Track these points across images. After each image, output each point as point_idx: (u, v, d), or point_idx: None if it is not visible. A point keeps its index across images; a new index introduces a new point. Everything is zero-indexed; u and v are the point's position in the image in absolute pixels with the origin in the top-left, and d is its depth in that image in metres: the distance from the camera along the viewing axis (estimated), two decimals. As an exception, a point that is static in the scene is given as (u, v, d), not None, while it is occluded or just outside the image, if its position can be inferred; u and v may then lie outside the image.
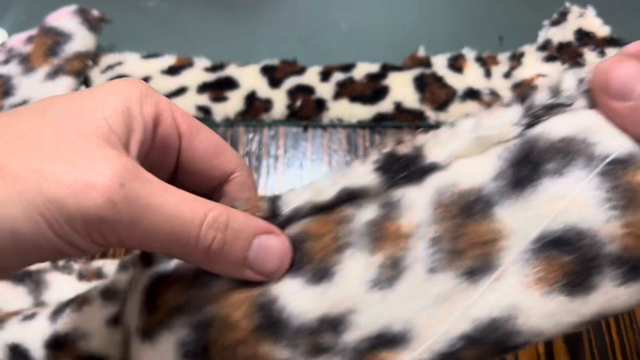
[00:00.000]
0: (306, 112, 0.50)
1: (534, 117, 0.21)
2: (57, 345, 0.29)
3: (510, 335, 0.20)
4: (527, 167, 0.20)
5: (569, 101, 0.21)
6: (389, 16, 0.60)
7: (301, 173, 0.48)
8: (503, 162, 0.21)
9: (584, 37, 0.54)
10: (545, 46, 0.53)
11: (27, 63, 0.51)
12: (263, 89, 0.52)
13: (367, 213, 0.22)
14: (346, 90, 0.51)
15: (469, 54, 0.54)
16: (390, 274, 0.21)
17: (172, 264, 0.24)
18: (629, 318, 0.40)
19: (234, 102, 0.51)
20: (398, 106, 0.50)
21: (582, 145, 0.20)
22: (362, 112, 0.50)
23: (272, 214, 0.23)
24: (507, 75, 0.52)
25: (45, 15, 0.54)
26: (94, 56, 0.53)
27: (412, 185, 0.22)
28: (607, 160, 0.20)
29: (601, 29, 0.54)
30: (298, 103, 0.51)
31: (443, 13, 0.60)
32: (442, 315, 0.21)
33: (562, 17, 0.55)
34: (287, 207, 0.23)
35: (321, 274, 0.22)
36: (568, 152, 0.20)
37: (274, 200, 0.23)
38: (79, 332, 0.29)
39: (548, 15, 0.56)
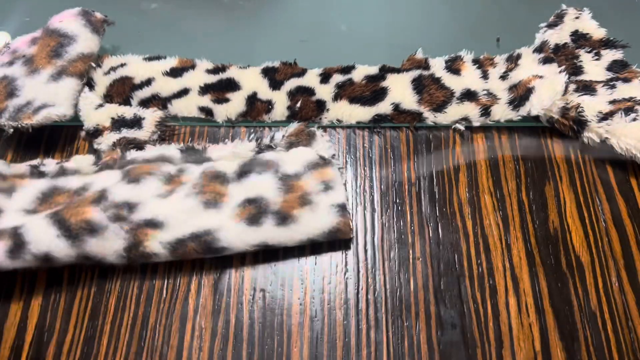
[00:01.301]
0: (306, 113, 0.51)
1: (260, 150, 0.48)
2: None
3: (214, 240, 0.42)
4: (247, 168, 0.46)
5: (275, 145, 0.48)
6: (388, 19, 0.60)
7: (301, 173, 0.49)
8: (237, 166, 0.46)
9: (580, 38, 0.54)
10: (541, 48, 0.54)
11: (31, 64, 0.51)
12: (264, 90, 0.52)
13: (170, 168, 0.46)
14: (345, 91, 0.52)
15: (467, 56, 0.54)
16: (169, 192, 0.45)
17: None
18: (625, 316, 0.41)
19: (235, 103, 0.52)
20: (396, 107, 0.51)
21: (273, 164, 0.46)
22: (361, 113, 0.51)
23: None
24: (504, 76, 0.52)
25: (49, 18, 0.54)
26: (97, 58, 0.54)
27: (196, 165, 0.47)
28: (283, 174, 0.45)
29: (597, 31, 0.54)
30: (298, 104, 0.51)
31: (441, 16, 0.61)
32: (186, 219, 0.43)
33: (559, 19, 0.56)
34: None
35: (134, 180, 0.45)
36: (265, 165, 0.46)
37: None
38: None
39: (545, 18, 0.57)
